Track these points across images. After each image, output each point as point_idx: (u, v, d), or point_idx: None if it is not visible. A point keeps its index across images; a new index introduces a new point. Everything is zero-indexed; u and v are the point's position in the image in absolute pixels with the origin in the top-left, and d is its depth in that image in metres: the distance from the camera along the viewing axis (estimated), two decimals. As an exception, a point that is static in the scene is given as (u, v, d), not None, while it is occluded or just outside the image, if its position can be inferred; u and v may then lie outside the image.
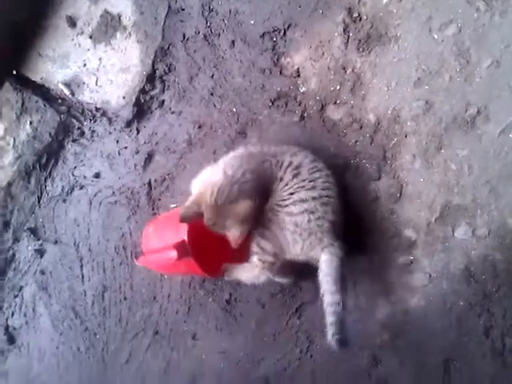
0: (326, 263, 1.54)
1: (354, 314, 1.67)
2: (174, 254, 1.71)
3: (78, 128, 2.54)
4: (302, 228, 1.56)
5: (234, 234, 1.55)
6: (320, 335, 1.71)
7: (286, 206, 1.58)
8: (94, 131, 2.49)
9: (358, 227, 1.70)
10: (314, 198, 1.57)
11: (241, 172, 1.59)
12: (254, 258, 1.62)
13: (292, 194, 1.59)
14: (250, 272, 1.68)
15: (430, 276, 1.56)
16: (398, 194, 1.65)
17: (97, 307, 2.30)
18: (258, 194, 1.59)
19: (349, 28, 1.81)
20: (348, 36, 1.81)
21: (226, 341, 1.91)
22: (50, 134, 2.59)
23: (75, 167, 2.53)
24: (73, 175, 2.53)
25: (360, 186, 1.74)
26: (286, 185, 1.61)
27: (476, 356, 1.45)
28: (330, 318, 1.46)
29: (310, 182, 1.60)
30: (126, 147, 2.36)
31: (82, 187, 2.49)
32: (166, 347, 2.06)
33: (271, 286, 1.81)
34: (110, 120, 2.44)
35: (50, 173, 2.60)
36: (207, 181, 1.62)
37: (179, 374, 2.01)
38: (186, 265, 1.78)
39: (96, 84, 2.49)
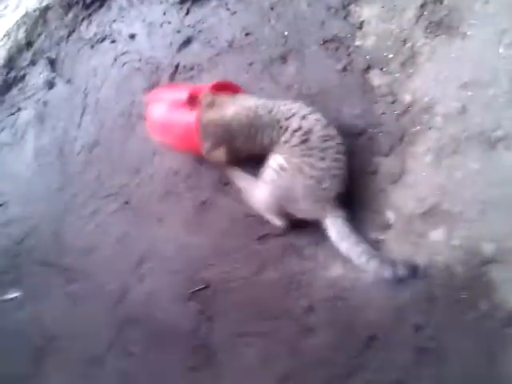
0: (335, 226, 1.59)
1: (309, 263, 1.72)
2: (184, 95, 1.75)
3: (132, -15, 2.45)
4: (309, 192, 1.59)
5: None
6: (273, 269, 1.77)
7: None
8: (146, -6, 2.41)
9: (346, 192, 1.71)
10: (322, 169, 1.58)
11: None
12: None
13: (303, 156, 1.59)
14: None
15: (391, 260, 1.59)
16: (397, 178, 1.66)
17: (82, 157, 2.31)
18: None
19: (426, 6, 1.75)
20: (422, 13, 1.75)
21: (185, 237, 1.95)
22: (103, -23, 2.50)
23: (115, 20, 2.47)
24: (109, 27, 2.48)
25: (366, 155, 1.73)
26: (294, 146, 1.61)
27: (398, 345, 1.51)
28: (367, 268, 1.53)
29: (320, 152, 1.59)
30: (169, 22, 2.29)
31: (113, 41, 2.44)
32: (129, 219, 2.09)
33: (248, 206, 1.83)
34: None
35: (90, 14, 2.53)
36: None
37: (130, 248, 2.06)
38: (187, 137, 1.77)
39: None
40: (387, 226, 1.64)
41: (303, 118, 1.63)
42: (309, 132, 1.61)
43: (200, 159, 1.94)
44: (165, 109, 1.85)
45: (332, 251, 1.67)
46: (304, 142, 1.60)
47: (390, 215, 1.64)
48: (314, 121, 1.63)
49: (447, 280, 1.48)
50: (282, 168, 1.62)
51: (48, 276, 2.17)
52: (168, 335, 1.86)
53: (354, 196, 1.71)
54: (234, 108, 1.70)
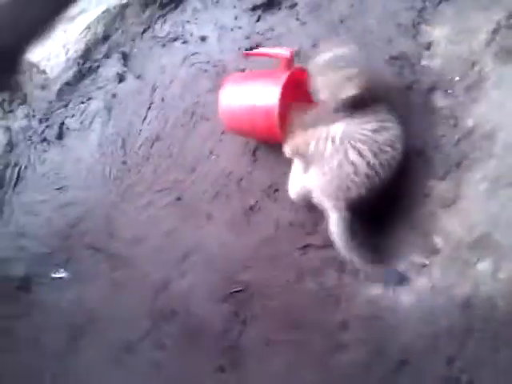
0: (338, 226, 1.64)
1: (349, 278, 1.74)
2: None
3: (207, -11, 2.56)
4: (339, 174, 1.62)
5: None
6: (311, 280, 1.80)
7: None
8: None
9: (396, 210, 1.73)
10: (367, 165, 1.59)
11: None
12: None
13: (363, 140, 1.62)
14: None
15: (433, 286, 1.59)
16: (450, 203, 1.65)
17: (143, 150, 2.42)
18: None
19: (499, 31, 1.74)
20: (494, 38, 1.74)
21: (230, 237, 2.02)
22: (180, -22, 2.62)
23: (188, 21, 2.58)
24: (182, 28, 2.59)
25: (421, 176, 1.74)
26: (364, 131, 1.63)
27: (429, 374, 1.50)
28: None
29: (377, 150, 1.61)
30: (240, 27, 2.38)
31: (184, 42, 2.55)
32: (180, 214, 2.18)
33: (295, 214, 1.89)
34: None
35: (165, 14, 2.66)
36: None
37: (177, 242, 2.14)
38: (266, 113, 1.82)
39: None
40: (434, 251, 1.63)
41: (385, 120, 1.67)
42: (384, 128, 1.64)
43: (253, 162, 2.03)
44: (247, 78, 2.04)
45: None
46: (375, 131, 1.62)
47: (438, 240, 1.63)
48: (394, 127, 1.66)
49: (488, 312, 1.46)
50: (333, 139, 1.65)
51: (96, 261, 2.29)
52: (201, 332, 1.93)
53: (404, 217, 1.72)
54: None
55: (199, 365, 1.88)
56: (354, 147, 1.60)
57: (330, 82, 1.68)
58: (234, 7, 2.43)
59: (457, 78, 1.76)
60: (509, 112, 1.63)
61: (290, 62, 1.83)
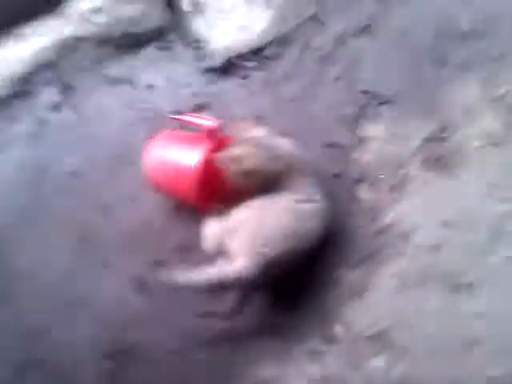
0: (234, 270, 1.68)
1: (243, 355, 1.74)
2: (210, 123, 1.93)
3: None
4: (258, 233, 1.68)
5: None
6: (204, 351, 1.80)
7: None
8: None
9: (303, 291, 1.79)
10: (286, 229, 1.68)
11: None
12: None
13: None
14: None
15: (326, 376, 1.62)
16: (357, 294, 1.72)
17: (59, 184, 2.37)
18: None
19: (431, 141, 1.91)
20: (424, 146, 1.91)
21: (129, 292, 2.00)
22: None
23: (140, 68, 2.65)
24: (133, 72, 2.65)
25: (332, 265, 1.83)
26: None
27: None
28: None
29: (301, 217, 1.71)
30: (190, 85, 2.50)
31: (131, 86, 2.61)
32: (81, 257, 2.13)
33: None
34: (202, 57, 2.57)
35: (119, 54, 2.72)
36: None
37: (69, 286, 2.08)
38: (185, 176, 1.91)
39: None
40: (332, 340, 1.67)
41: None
42: (309, 201, 1.75)
43: (169, 218, 2.07)
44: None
45: (271, 347, 1.70)
46: (299, 201, 1.74)
47: (339, 330, 1.68)
48: (320, 201, 1.78)
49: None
50: (252, 206, 1.76)
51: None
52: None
53: (310, 302, 1.77)
54: None
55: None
56: (274, 213, 1.69)
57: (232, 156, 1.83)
58: (189, 65, 2.55)
59: (383, 176, 1.91)
60: (425, 217, 1.76)
61: (214, 132, 1.94)
